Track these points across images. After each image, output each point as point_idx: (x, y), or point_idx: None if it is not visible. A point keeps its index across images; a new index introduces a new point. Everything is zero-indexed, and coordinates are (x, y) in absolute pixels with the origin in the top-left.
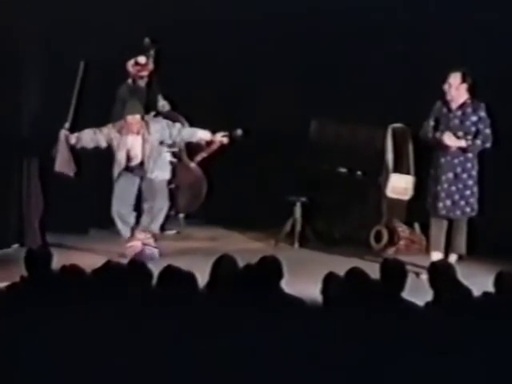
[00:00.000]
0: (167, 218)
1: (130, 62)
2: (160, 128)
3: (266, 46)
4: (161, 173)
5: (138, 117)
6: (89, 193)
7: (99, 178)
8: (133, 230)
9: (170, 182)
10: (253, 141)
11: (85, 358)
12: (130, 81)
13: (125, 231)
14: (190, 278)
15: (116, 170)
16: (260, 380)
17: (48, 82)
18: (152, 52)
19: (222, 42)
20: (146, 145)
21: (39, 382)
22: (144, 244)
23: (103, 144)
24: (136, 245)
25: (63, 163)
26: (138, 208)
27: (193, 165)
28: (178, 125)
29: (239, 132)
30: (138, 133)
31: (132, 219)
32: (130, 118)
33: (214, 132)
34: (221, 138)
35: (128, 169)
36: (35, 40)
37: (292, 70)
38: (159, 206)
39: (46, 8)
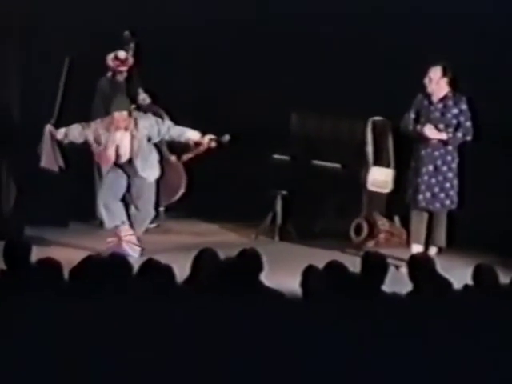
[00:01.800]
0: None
1: (110, 56)
2: (148, 125)
3: (246, 38)
4: (152, 172)
5: (125, 113)
6: (69, 186)
7: (80, 171)
8: (122, 223)
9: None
10: (234, 133)
11: (64, 350)
12: (109, 74)
13: (108, 221)
14: (169, 271)
15: (105, 167)
16: (239, 372)
17: (28, 78)
18: (132, 45)
19: (202, 35)
20: (134, 141)
21: (17, 374)
22: (126, 242)
23: (91, 140)
24: (116, 241)
25: (47, 159)
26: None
27: (173, 158)
28: (167, 123)
29: (227, 137)
30: (126, 129)
31: (119, 210)
32: (117, 114)
33: (203, 133)
34: (209, 140)
35: (117, 165)
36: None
37: (272, 62)
38: (144, 215)
39: (27, 2)
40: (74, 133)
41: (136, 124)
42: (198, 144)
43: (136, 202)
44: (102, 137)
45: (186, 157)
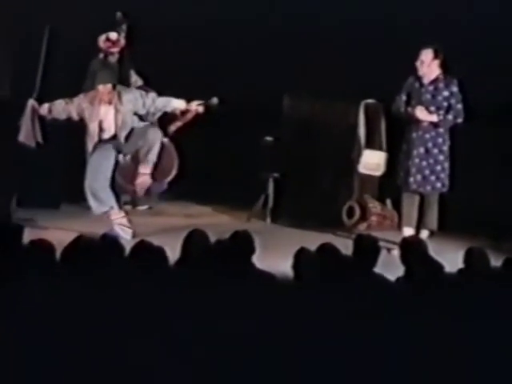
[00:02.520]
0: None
1: (102, 38)
2: (133, 98)
3: (239, 19)
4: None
5: (109, 86)
6: (60, 167)
7: (71, 152)
8: (111, 208)
9: None
10: (226, 115)
11: (56, 331)
12: (101, 56)
13: (96, 207)
14: (161, 253)
15: (89, 144)
16: (231, 355)
17: (17, 56)
18: (124, 26)
19: (195, 17)
20: (118, 115)
21: (8, 355)
22: (118, 224)
23: (74, 116)
24: (144, 180)
25: (26, 133)
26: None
27: (165, 140)
28: (151, 94)
29: (215, 100)
30: (110, 103)
31: (107, 197)
32: (101, 87)
33: (188, 101)
34: (196, 106)
35: (102, 141)
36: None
37: (265, 44)
38: (153, 134)
39: None
40: (58, 108)
41: (120, 98)
42: (184, 112)
43: (142, 139)
44: (86, 111)
45: (173, 126)
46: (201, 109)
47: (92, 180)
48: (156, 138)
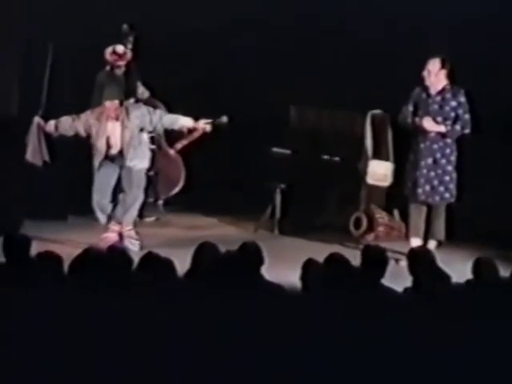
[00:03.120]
0: (145, 204)
1: (108, 50)
2: (140, 114)
3: (245, 32)
4: (139, 161)
5: (116, 102)
6: (68, 179)
7: (78, 164)
8: (109, 217)
9: (149, 170)
10: (233, 127)
11: (64, 343)
12: (108, 68)
13: (105, 222)
14: (169, 264)
15: (96, 160)
16: (239, 366)
17: (22, 72)
18: (131, 38)
19: (202, 29)
20: (125, 131)
21: (16, 366)
22: (126, 237)
23: (82, 132)
24: (110, 236)
25: (33, 152)
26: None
27: (172, 151)
28: (159, 111)
29: (224, 119)
30: (117, 119)
31: (110, 208)
32: (108, 103)
33: (196, 119)
34: (204, 125)
35: (108, 158)
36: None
37: (272, 55)
38: (133, 197)
39: None
40: (65, 125)
41: (128, 114)
42: (191, 130)
43: (126, 190)
44: (93, 128)
45: (180, 144)
46: (208, 128)
47: (100, 197)
48: (136, 199)
